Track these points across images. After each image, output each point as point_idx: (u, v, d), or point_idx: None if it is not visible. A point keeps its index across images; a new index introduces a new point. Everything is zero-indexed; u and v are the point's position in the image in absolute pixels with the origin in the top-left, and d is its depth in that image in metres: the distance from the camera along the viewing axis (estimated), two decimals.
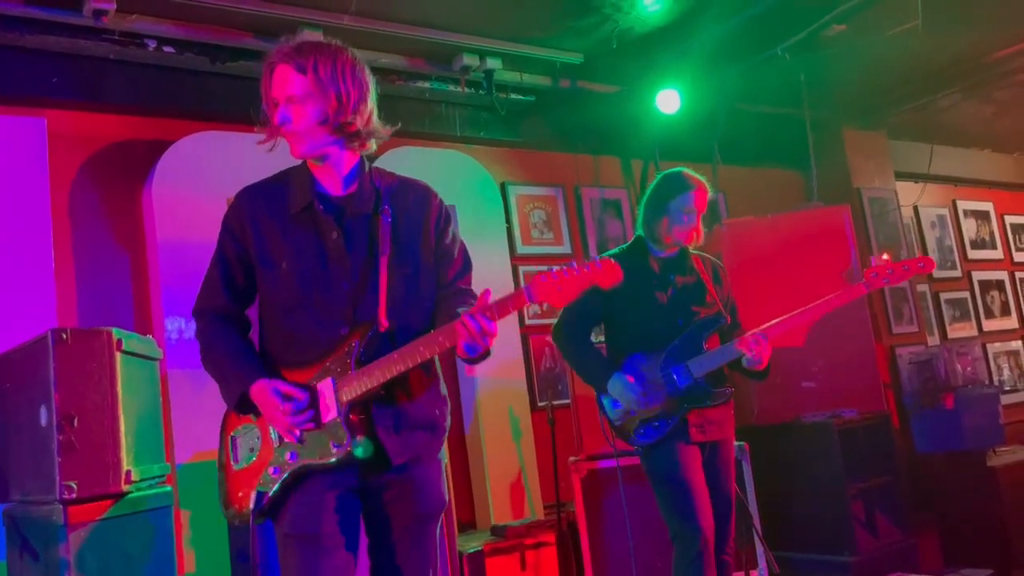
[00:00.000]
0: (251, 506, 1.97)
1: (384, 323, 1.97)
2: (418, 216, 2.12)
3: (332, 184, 2.10)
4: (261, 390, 1.99)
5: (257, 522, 1.99)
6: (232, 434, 2.10)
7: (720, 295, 3.20)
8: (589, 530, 3.88)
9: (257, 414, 2.05)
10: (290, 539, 1.98)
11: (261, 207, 2.08)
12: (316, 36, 2.08)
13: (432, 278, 2.13)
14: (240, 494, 2.04)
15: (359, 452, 1.93)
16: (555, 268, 1.91)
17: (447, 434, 2.15)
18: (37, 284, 3.65)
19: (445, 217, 2.18)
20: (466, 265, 2.20)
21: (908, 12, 4.35)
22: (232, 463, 2.08)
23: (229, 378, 2.06)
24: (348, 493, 2.00)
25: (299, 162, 2.13)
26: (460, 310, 1.99)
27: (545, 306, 5.18)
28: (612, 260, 1.94)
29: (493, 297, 1.91)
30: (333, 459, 1.95)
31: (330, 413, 1.96)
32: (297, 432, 1.97)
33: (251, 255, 2.08)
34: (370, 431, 1.98)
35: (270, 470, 2.00)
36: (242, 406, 2.04)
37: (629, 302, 3.13)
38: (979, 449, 4.92)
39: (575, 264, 1.91)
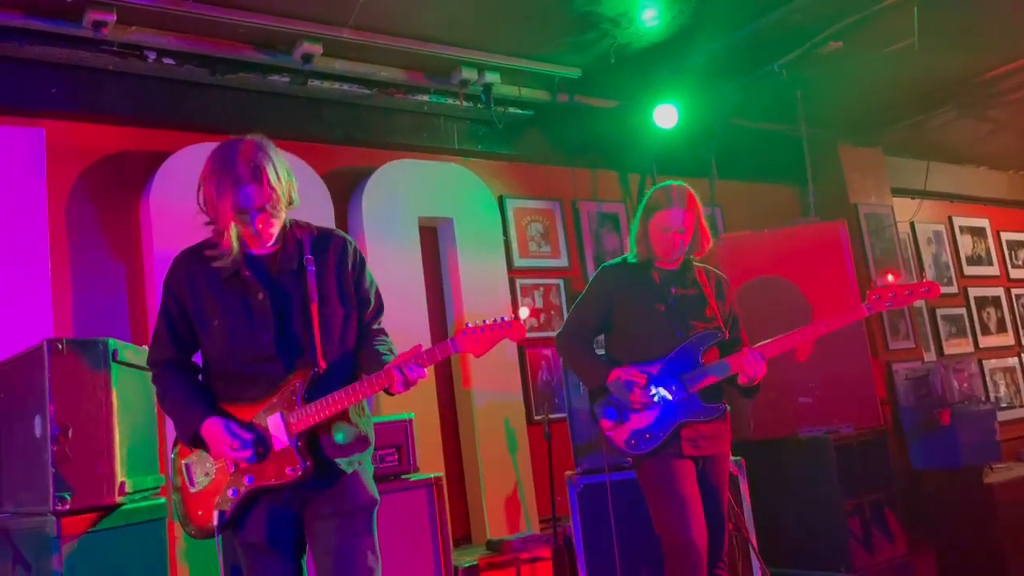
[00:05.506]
0: (214, 523, 2.28)
1: (322, 365, 2.31)
2: (337, 264, 2.43)
3: (260, 244, 2.36)
4: (211, 427, 2.28)
5: (220, 535, 2.30)
6: (185, 461, 2.39)
7: (721, 309, 3.18)
8: (585, 545, 3.86)
9: (207, 448, 2.31)
10: (240, 547, 2.36)
11: (196, 270, 2.38)
12: (258, 139, 2.31)
13: (354, 317, 2.44)
14: (200, 512, 2.34)
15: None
16: (475, 324, 2.33)
17: (373, 444, 2.46)
18: (33, 294, 3.64)
19: (360, 262, 2.48)
20: (380, 307, 2.52)
21: (904, 31, 4.39)
22: (189, 486, 2.38)
23: (183, 417, 2.34)
24: (286, 505, 2.32)
25: None
26: (379, 348, 2.41)
27: (542, 318, 5.18)
28: (519, 322, 2.32)
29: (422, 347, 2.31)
30: (288, 481, 2.27)
31: (281, 443, 2.29)
32: (242, 465, 2.28)
33: (189, 312, 2.38)
34: (318, 452, 2.31)
35: (228, 492, 2.31)
36: (195, 441, 2.32)
37: (629, 312, 3.14)
38: (975, 466, 4.92)
39: (489, 322, 2.32)
